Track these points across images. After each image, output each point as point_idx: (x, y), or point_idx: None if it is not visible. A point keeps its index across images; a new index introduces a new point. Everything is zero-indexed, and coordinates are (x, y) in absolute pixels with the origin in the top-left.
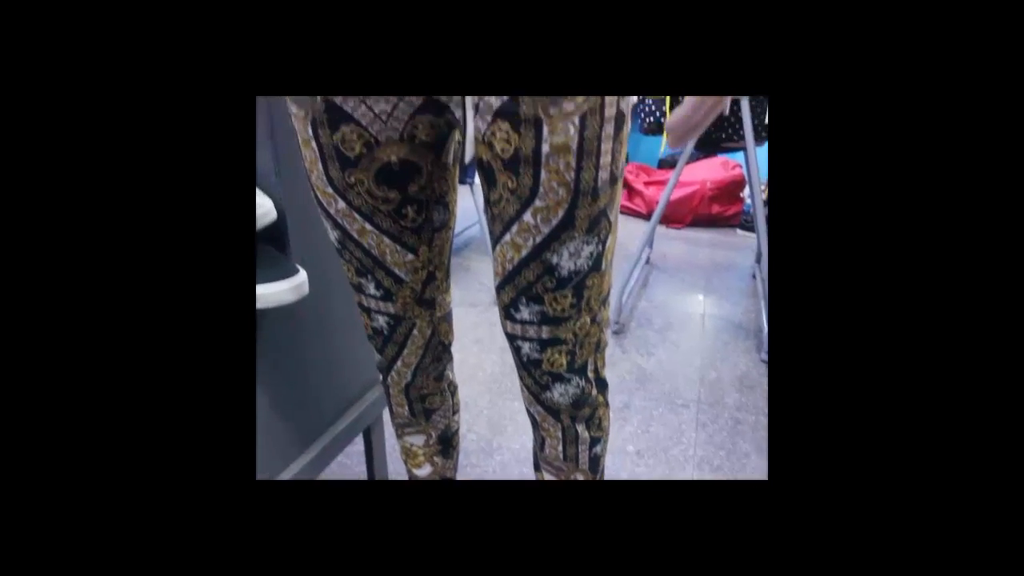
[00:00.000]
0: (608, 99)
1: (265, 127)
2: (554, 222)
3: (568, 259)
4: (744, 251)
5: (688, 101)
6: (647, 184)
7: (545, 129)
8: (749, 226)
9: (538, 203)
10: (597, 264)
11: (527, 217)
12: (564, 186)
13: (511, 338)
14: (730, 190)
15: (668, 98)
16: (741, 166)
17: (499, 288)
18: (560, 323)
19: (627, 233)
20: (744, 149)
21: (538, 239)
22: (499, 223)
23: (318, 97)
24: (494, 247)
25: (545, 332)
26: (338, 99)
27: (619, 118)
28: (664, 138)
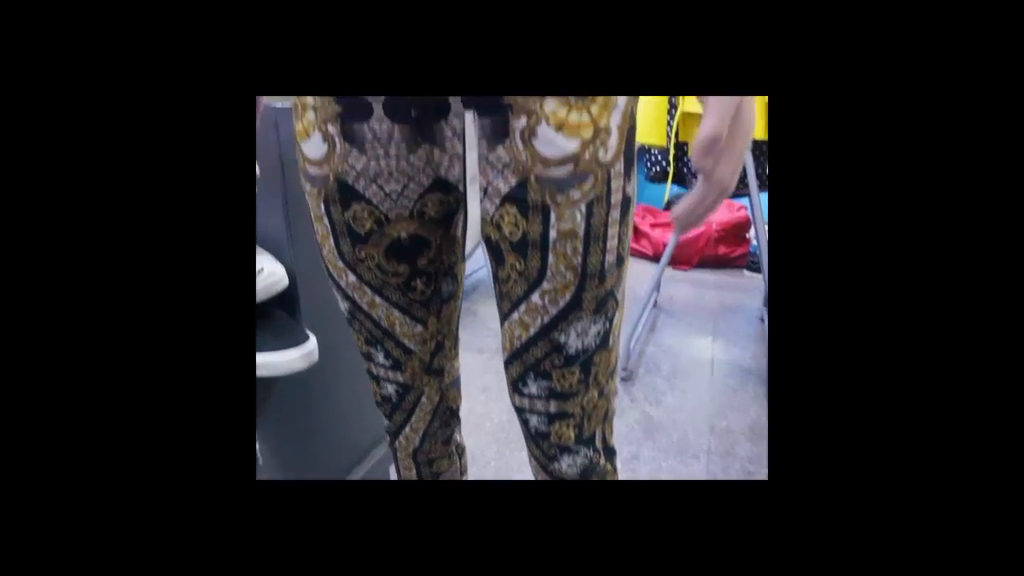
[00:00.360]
0: (614, 185)
1: (279, 198)
2: (561, 303)
3: (576, 338)
4: (752, 292)
5: (693, 193)
6: (653, 226)
7: (552, 215)
8: (756, 267)
9: (546, 285)
10: (604, 342)
11: (535, 298)
12: (571, 270)
13: (519, 411)
14: (736, 231)
15: (672, 148)
16: (746, 208)
17: (507, 363)
18: (568, 398)
19: (634, 275)
20: (748, 195)
21: (546, 319)
22: (507, 301)
23: (331, 176)
24: (502, 323)
25: (553, 406)
26: (349, 179)
27: (625, 203)
28: (668, 185)
